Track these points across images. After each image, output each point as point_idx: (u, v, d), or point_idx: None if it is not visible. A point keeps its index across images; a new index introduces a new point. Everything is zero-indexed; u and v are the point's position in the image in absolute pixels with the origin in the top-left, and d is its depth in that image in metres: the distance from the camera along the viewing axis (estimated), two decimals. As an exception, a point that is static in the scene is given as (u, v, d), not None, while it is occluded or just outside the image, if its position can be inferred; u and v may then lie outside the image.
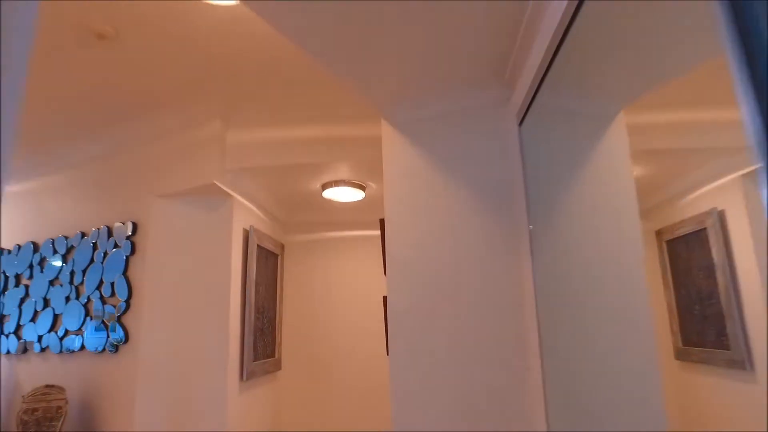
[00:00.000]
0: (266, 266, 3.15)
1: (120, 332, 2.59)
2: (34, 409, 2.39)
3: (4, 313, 3.21)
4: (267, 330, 3.12)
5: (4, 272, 3.32)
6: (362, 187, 2.99)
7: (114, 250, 2.73)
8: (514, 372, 1.60)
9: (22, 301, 3.12)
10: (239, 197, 2.81)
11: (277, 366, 3.26)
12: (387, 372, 1.82)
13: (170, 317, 2.59)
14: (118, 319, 2.62)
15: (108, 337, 2.63)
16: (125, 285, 2.64)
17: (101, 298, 2.73)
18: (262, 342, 3.02)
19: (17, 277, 3.22)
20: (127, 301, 2.63)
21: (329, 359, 3.43)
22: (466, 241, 1.75)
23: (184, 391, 2.53)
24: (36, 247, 3.17)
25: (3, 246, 3.47)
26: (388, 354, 1.96)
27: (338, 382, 3.39)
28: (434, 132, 1.95)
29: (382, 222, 2.06)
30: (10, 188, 3.65)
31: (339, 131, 2.60)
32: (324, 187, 2.96)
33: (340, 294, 3.52)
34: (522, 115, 1.79)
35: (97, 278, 2.76)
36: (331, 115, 2.59)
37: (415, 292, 1.80)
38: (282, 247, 3.48)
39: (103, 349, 2.64)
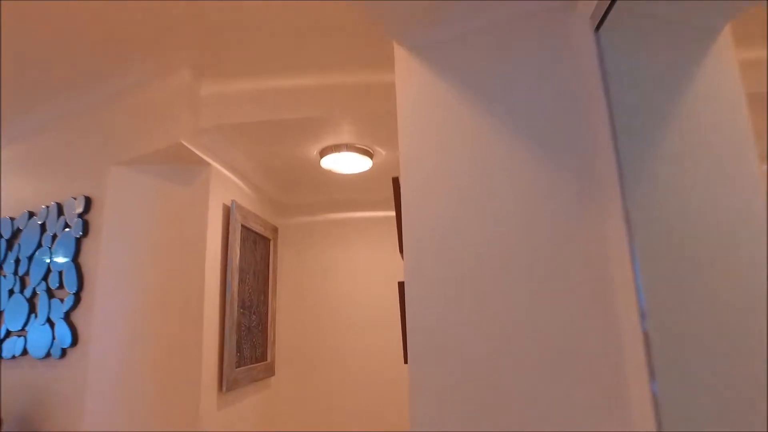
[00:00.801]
0: (254, 252, 2.63)
1: (67, 333, 2.07)
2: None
3: (-53, 310, 2.71)
4: (256, 329, 2.59)
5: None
6: (369, 154, 2.46)
7: (64, 231, 2.21)
8: (600, 388, 1.07)
9: (-36, 295, 2.62)
10: (218, 166, 2.28)
11: (269, 371, 2.74)
12: (403, 379, 1.30)
13: (129, 314, 2.07)
14: (66, 317, 2.10)
15: (54, 339, 2.11)
16: (75, 274, 2.12)
17: (47, 290, 2.21)
18: (250, 343, 2.49)
19: (-40, 267, 2.72)
20: (77, 294, 2.11)
21: (333, 362, 2.90)
22: (518, 202, 1.21)
23: (147, 408, 2.01)
24: (-20, 232, 2.66)
25: (-53, 232, 2.96)
26: (406, 361, 1.43)
27: (344, 389, 2.86)
28: (467, 55, 1.40)
29: (395, 183, 1.52)
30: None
31: (338, 79, 2.06)
32: (322, 153, 2.42)
33: (345, 285, 2.98)
34: (598, 21, 1.24)
35: (44, 267, 2.25)
36: (329, 60, 2.05)
37: (444, 273, 1.26)
38: (275, 230, 2.95)
39: (48, 354, 2.12)
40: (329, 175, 2.74)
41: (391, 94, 2.02)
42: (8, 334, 2.32)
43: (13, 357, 2.27)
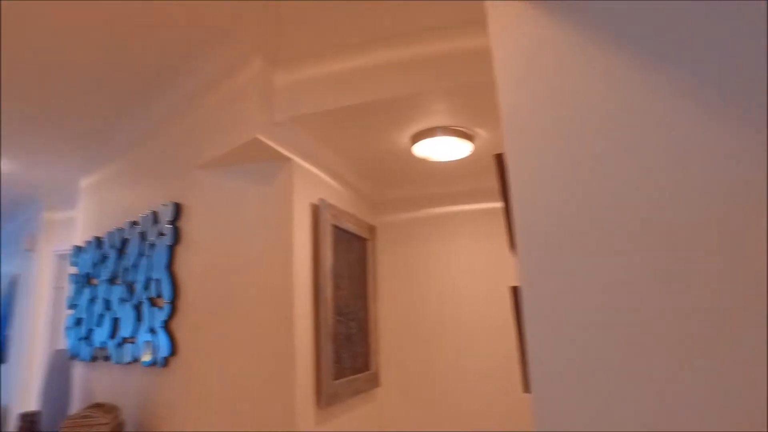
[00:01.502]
0: (349, 254, 2.43)
1: (167, 342, 2.04)
2: (72, 438, 1.94)
3: (79, 316, 2.90)
4: (356, 337, 2.40)
5: (78, 272, 3.03)
6: (468, 137, 2.13)
7: (159, 239, 2.20)
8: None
9: (91, 302, 2.78)
10: (301, 161, 2.11)
11: (374, 382, 2.53)
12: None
13: (219, 324, 1.98)
14: (165, 325, 2.08)
15: (157, 348, 2.10)
16: (170, 282, 2.08)
17: (150, 299, 2.21)
18: (350, 352, 2.31)
19: (87, 276, 2.89)
20: (173, 303, 2.07)
21: (445, 371, 2.61)
22: (686, 174, 0.82)
23: (244, 422, 1.90)
24: (100, 243, 2.80)
25: (77, 243, 3.19)
26: (526, 390, 1.10)
27: (459, 399, 2.56)
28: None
29: (499, 160, 1.19)
30: (83, 182, 3.39)
31: (424, 49, 1.76)
32: (414, 140, 2.14)
33: (452, 287, 2.68)
34: None
35: (145, 276, 2.26)
36: (410, 27, 1.77)
37: (577, 277, 0.92)
38: (371, 229, 2.74)
39: (153, 362, 2.12)
40: (425, 164, 2.46)
41: (490, 61, 1.68)
42: (124, 340, 2.38)
43: (129, 363, 2.32)
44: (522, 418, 2.40)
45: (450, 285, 2.68)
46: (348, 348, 2.28)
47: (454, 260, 2.70)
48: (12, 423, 3.98)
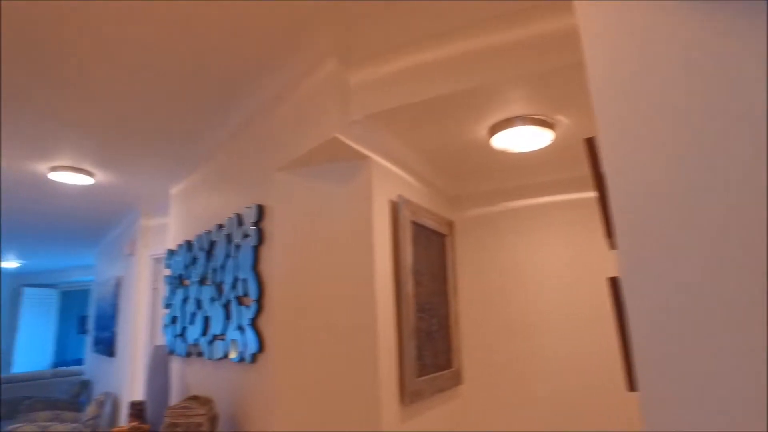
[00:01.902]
0: (429, 250, 2.41)
1: (254, 339, 2.12)
2: (176, 424, 2.06)
3: (174, 314, 3.10)
4: (437, 334, 2.37)
5: (172, 273, 3.23)
6: (548, 125, 2.03)
7: (244, 240, 2.29)
8: None
9: (184, 301, 2.95)
10: (379, 159, 2.11)
11: (456, 380, 2.49)
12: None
13: (302, 321, 2.02)
14: (252, 323, 2.16)
15: (245, 345, 2.19)
16: (255, 282, 2.16)
17: (237, 298, 2.31)
18: (432, 350, 2.28)
19: (180, 277, 3.08)
20: (259, 301, 2.15)
21: (530, 368, 2.51)
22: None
23: (330, 420, 1.93)
24: (190, 246, 2.97)
25: (170, 247, 3.41)
26: (631, 389, 1.02)
27: (547, 398, 2.46)
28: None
29: (589, 145, 1.11)
30: (173, 190, 3.61)
31: (497, 36, 1.69)
32: (492, 132, 2.07)
33: (535, 282, 2.57)
34: None
35: (232, 276, 2.36)
36: (483, 13, 1.71)
37: (686, 266, 0.83)
38: (450, 225, 2.69)
39: (242, 358, 2.21)
40: (504, 156, 2.38)
41: (571, 43, 1.58)
42: (215, 337, 2.50)
43: (220, 358, 2.43)
44: (618, 418, 2.25)
45: (533, 279, 2.57)
46: (430, 345, 2.26)
47: (537, 253, 2.59)
48: (123, 410, 4.33)
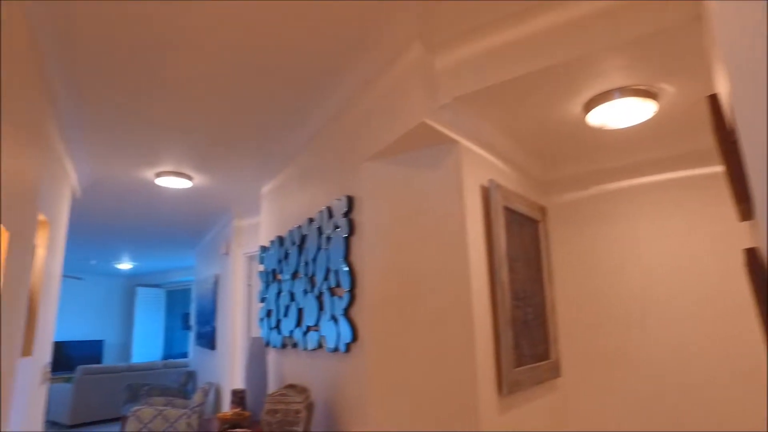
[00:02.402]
0: (522, 236, 2.31)
1: (348, 329, 2.15)
2: (275, 411, 2.14)
3: (269, 308, 3.23)
4: (534, 323, 2.27)
5: (265, 269, 3.38)
6: (651, 95, 1.86)
7: (335, 232, 2.33)
8: None
9: (278, 295, 3.07)
10: (468, 143, 2.06)
11: (555, 372, 2.37)
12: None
13: (401, 310, 2.02)
14: (345, 313, 2.19)
15: (339, 334, 2.22)
16: (347, 272, 2.19)
17: (330, 289, 2.36)
18: (528, 340, 2.18)
19: (273, 272, 3.21)
20: (352, 292, 2.17)
21: (636, 362, 2.33)
22: None
23: (427, 408, 1.91)
24: (281, 242, 3.09)
25: (262, 244, 3.56)
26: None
27: (658, 397, 2.27)
28: None
29: (713, 102, 0.99)
30: (263, 189, 3.77)
31: (595, 2, 1.58)
32: (588, 108, 1.94)
33: (640, 267, 2.38)
34: None
35: (324, 267, 2.41)
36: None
37: None
38: (543, 210, 2.57)
39: (336, 348, 2.25)
40: (600, 134, 2.22)
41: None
42: (308, 328, 2.57)
43: (314, 349, 2.50)
44: (747, 417, 2.02)
45: (636, 265, 2.39)
46: (526, 335, 2.16)
47: (638, 238, 2.40)
48: (224, 397, 4.61)
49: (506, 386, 1.91)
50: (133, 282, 10.68)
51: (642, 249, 2.39)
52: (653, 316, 2.31)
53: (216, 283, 5.29)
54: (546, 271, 2.46)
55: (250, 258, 4.61)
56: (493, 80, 1.76)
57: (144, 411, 4.36)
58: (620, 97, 1.84)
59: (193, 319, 6.82)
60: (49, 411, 6.84)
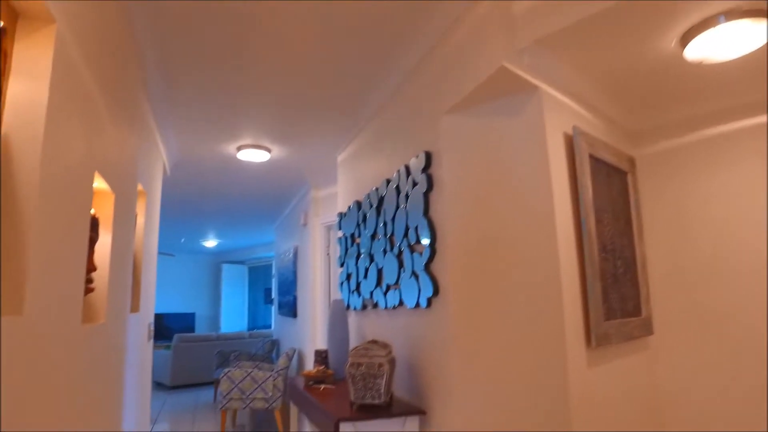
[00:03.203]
0: (609, 188, 2.19)
1: (429, 284, 2.16)
2: (359, 364, 2.21)
3: (349, 272, 3.32)
4: (623, 278, 2.16)
5: (344, 234, 3.46)
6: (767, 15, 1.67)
7: (413, 189, 2.33)
8: None
9: (357, 258, 3.14)
10: (549, 88, 1.97)
11: (647, 329, 2.25)
12: None
13: (484, 263, 1.99)
14: (426, 268, 2.19)
15: (419, 290, 2.24)
16: (427, 227, 2.19)
17: (409, 246, 2.37)
18: (618, 294, 2.08)
19: (352, 236, 3.28)
20: (432, 246, 2.17)
21: (737, 322, 2.16)
22: None
23: (511, 362, 1.88)
24: (359, 206, 3.14)
25: (340, 211, 3.64)
26: None
27: (758, 360, 2.10)
28: None
29: None
30: (339, 157, 3.84)
31: None
32: (685, 41, 1.78)
33: (744, 221, 2.19)
34: None
35: (403, 225, 2.43)
36: None
37: None
38: (631, 162, 2.42)
39: (417, 304, 2.27)
40: (699, 72, 2.04)
41: None
42: (388, 287, 2.61)
43: (394, 307, 2.54)
44: None
45: (736, 220, 2.19)
46: (615, 289, 2.07)
47: (740, 188, 2.20)
48: (306, 361, 4.82)
49: (595, 338, 1.84)
50: (218, 259, 11.38)
51: (744, 201, 2.18)
52: (754, 274, 2.12)
53: (295, 254, 5.51)
54: (636, 225, 2.32)
55: (328, 228, 4.75)
56: (573, 18, 1.66)
57: (235, 372, 4.67)
58: (726, 22, 1.66)
59: (275, 290, 7.16)
60: (153, 373, 7.52)
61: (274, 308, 7.45)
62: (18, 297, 1.00)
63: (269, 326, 10.17)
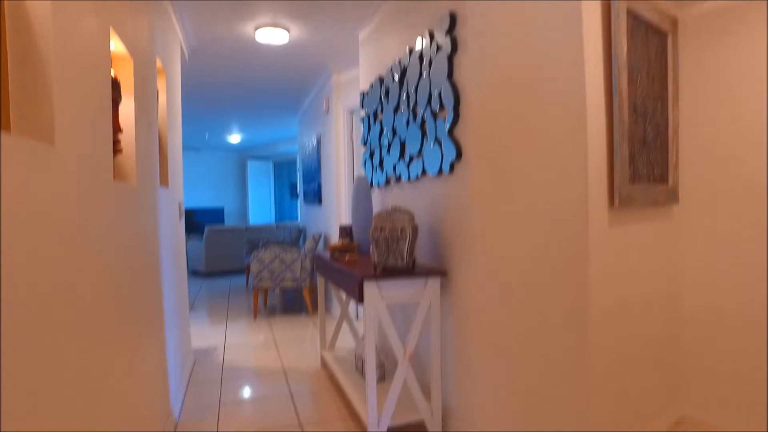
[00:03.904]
0: (646, 48, 2.05)
1: (452, 148, 2.14)
2: (382, 228, 2.27)
3: (372, 150, 3.31)
4: (653, 143, 2.09)
5: (366, 112, 3.41)
6: None
7: (437, 54, 2.23)
8: None
9: (380, 135, 3.12)
10: (589, -71, 1.78)
11: (672, 197, 2.22)
12: None
13: (508, 125, 1.95)
14: (449, 133, 2.16)
15: (442, 156, 2.23)
16: (451, 91, 2.12)
17: (432, 113, 2.32)
18: (646, 159, 2.04)
19: (374, 113, 3.23)
20: (455, 110, 2.12)
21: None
22: None
23: (532, 219, 1.90)
24: (381, 81, 3.05)
25: (362, 89, 3.55)
26: None
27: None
28: None
29: None
30: (361, 35, 3.66)
31: None
32: None
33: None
34: None
35: (426, 92, 2.36)
36: None
37: None
38: (673, 22, 2.24)
39: (440, 171, 2.27)
40: None
41: None
42: (411, 158, 2.61)
43: (417, 177, 2.56)
44: None
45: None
46: (643, 153, 2.02)
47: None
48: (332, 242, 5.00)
49: (618, 198, 1.83)
50: (243, 155, 11.50)
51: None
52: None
53: (319, 141, 5.51)
54: (672, 89, 2.21)
55: (351, 112, 4.68)
56: None
57: (264, 254, 4.90)
58: None
59: (300, 180, 7.28)
60: (188, 262, 7.97)
61: (299, 201, 7.63)
62: (48, 127, 1.03)
63: (296, 220, 10.50)
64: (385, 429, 2.22)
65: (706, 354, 2.30)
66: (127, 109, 1.93)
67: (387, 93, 2.92)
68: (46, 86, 1.02)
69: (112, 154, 1.59)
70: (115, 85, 1.83)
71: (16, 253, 0.83)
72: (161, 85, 3.00)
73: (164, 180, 2.85)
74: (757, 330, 2.14)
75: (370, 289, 2.16)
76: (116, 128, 1.83)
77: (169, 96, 3.10)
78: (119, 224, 1.60)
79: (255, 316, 4.99)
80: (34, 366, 0.89)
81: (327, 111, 5.03)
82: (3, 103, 0.94)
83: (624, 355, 1.96)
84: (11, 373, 0.79)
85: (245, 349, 3.94)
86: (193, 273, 8.21)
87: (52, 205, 1.01)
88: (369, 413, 2.19)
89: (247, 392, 3.03)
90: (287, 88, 5.69)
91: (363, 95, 3.46)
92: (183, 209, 3.62)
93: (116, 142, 1.84)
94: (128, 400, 1.62)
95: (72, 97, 1.15)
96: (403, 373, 2.24)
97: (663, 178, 2.16)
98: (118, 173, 1.86)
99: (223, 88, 5.64)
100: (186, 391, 3.03)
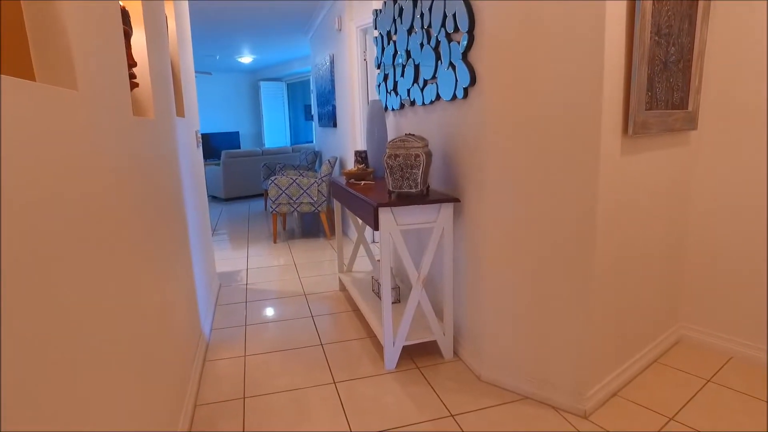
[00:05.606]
0: (675, -40, 1.93)
1: (466, 73, 2.10)
2: (396, 155, 2.30)
3: (386, 72, 3.25)
4: (675, 66, 2.03)
5: (380, 33, 3.30)
6: None
7: (452, -30, 2.13)
8: None
9: (393, 57, 3.04)
10: None
11: (691, 123, 2.19)
12: None
13: (523, 49, 1.89)
14: (464, 57, 2.12)
15: (456, 81, 2.20)
16: (466, 12, 2.05)
17: (446, 36, 2.26)
18: (665, 84, 1.99)
19: (388, 34, 3.13)
20: (470, 33, 2.06)
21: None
22: None
23: (544, 147, 1.91)
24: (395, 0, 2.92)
25: (375, 8, 3.41)
26: None
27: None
28: None
29: None
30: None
31: None
32: None
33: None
34: None
35: (440, 13, 2.28)
36: None
37: None
38: (707, -71, 2.08)
39: (453, 96, 2.25)
40: None
41: None
42: (425, 83, 2.58)
43: (431, 102, 2.53)
44: None
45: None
46: (664, 77, 1.96)
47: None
48: (347, 166, 5.05)
49: (633, 126, 1.82)
50: (256, 77, 11.28)
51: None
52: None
53: (332, 62, 5.37)
54: (702, 8, 2.09)
55: (364, 31, 4.52)
56: None
57: (281, 179, 4.98)
58: None
59: (314, 103, 7.19)
60: (208, 188, 8.14)
61: (314, 123, 7.57)
62: (70, 72, 1.05)
63: (311, 142, 10.48)
64: (400, 348, 2.39)
65: (708, 271, 2.38)
66: (138, 40, 1.92)
67: (401, 12, 2.81)
68: (62, 30, 1.04)
69: (129, 91, 1.62)
70: (125, 16, 1.81)
71: (57, 200, 0.90)
72: (169, 11, 2.93)
73: (180, 110, 2.87)
74: (759, 249, 2.18)
75: (385, 215, 2.23)
76: (130, 62, 1.84)
77: (177, 21, 3.03)
78: (142, 159, 1.66)
79: (275, 240, 5.18)
80: (86, 274, 0.99)
81: (339, 29, 4.86)
82: (21, 50, 0.97)
83: (624, 267, 2.04)
84: (70, 278, 0.89)
85: (267, 272, 4.14)
86: (213, 198, 8.41)
87: (80, 148, 1.06)
88: (385, 333, 2.35)
89: (270, 313, 3.23)
90: (298, 2, 5.46)
91: (376, 13, 3.33)
92: (200, 138, 3.66)
93: (131, 77, 1.86)
94: (165, 320, 1.77)
95: (87, 38, 1.16)
96: (417, 296, 2.37)
97: (683, 104, 2.11)
98: (136, 108, 1.90)
99: (230, 3, 5.43)
100: (214, 313, 3.25)
